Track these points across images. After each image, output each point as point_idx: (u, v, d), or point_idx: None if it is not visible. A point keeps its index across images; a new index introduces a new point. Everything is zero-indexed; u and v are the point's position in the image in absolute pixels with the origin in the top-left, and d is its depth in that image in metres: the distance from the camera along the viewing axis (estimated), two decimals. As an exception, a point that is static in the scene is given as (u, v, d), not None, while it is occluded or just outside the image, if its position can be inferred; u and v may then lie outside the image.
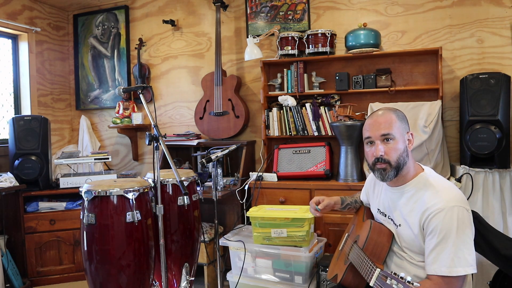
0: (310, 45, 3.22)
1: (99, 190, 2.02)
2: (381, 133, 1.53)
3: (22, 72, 3.94)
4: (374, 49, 3.09)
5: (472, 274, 1.45)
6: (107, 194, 2.02)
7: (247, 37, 3.51)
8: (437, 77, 3.04)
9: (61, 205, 3.33)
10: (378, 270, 1.33)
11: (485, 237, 1.80)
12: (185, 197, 2.33)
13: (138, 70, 3.97)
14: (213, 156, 2.40)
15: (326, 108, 3.24)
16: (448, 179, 2.77)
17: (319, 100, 3.31)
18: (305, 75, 3.35)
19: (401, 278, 1.20)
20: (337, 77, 3.20)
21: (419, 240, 1.47)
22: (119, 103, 4.01)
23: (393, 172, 1.52)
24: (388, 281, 1.23)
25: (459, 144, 2.96)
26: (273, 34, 3.48)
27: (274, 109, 3.37)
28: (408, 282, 1.18)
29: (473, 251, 1.38)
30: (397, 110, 1.61)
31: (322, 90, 3.32)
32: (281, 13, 3.55)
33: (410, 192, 1.55)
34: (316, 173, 3.09)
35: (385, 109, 1.61)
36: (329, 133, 3.23)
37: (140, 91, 2.27)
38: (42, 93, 4.07)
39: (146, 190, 2.14)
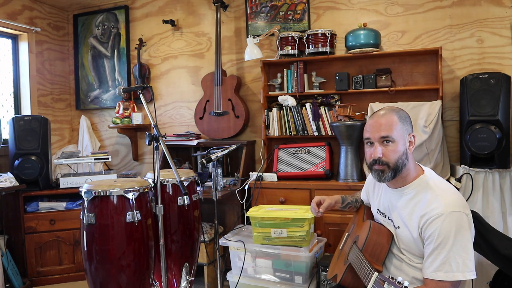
0: (310, 45, 3.22)
1: (99, 190, 2.02)
2: (381, 135, 1.51)
3: (22, 72, 3.94)
4: (374, 49, 3.09)
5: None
6: (107, 194, 2.02)
7: (247, 37, 3.51)
8: (437, 77, 3.04)
9: (61, 205, 3.33)
10: (375, 274, 1.32)
11: (485, 237, 1.80)
12: (185, 197, 2.33)
13: (138, 70, 3.97)
14: (213, 156, 2.40)
15: (326, 108, 3.24)
16: (448, 179, 2.77)
17: (319, 100, 3.31)
18: (305, 75, 3.35)
19: (398, 283, 1.18)
20: (337, 77, 3.20)
21: (418, 243, 1.46)
22: (119, 103, 4.01)
23: (390, 174, 1.51)
24: (385, 286, 1.22)
25: (459, 144, 2.96)
26: (273, 34, 3.48)
27: (274, 109, 3.37)
28: (406, 287, 1.17)
29: (472, 257, 1.36)
30: (400, 110, 1.57)
31: (322, 90, 3.32)
32: (281, 13, 3.55)
33: (409, 194, 1.53)
34: (316, 173, 3.09)
35: (388, 109, 1.57)
36: (329, 133, 3.23)
37: (140, 91, 2.27)
38: (42, 93, 4.07)
39: (146, 190, 2.14)
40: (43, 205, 3.30)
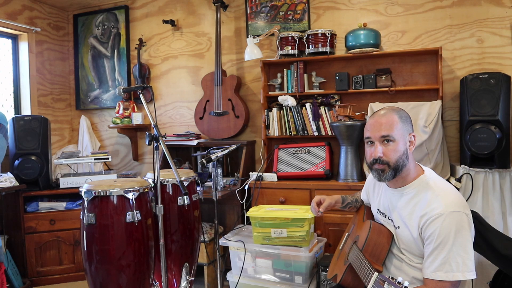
0: (310, 45, 3.22)
1: (99, 190, 2.02)
2: (381, 135, 1.51)
3: (22, 72, 3.94)
4: (374, 49, 3.09)
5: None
6: (107, 194, 2.02)
7: (247, 37, 3.51)
8: (437, 77, 3.04)
9: (61, 205, 3.33)
10: (375, 274, 1.32)
11: (485, 237, 1.80)
12: (185, 197, 2.33)
13: (138, 70, 3.97)
14: (213, 156, 2.40)
15: (326, 108, 3.24)
16: (448, 179, 2.77)
17: (319, 100, 3.31)
18: (305, 75, 3.35)
19: (399, 283, 1.18)
20: (337, 77, 3.20)
21: (418, 243, 1.46)
22: (119, 103, 4.01)
23: (391, 173, 1.51)
24: (385, 286, 1.22)
25: (459, 144, 2.96)
26: (273, 34, 3.48)
27: (274, 109, 3.37)
28: (406, 287, 1.17)
29: (472, 257, 1.36)
30: (401, 110, 1.58)
31: (322, 90, 3.32)
32: (281, 13, 3.55)
33: (409, 194, 1.54)
34: (316, 173, 3.09)
35: (388, 109, 1.58)
36: (329, 133, 3.23)
37: (140, 91, 2.27)
38: (42, 93, 4.07)
39: (146, 190, 2.14)
40: (43, 205, 3.30)
